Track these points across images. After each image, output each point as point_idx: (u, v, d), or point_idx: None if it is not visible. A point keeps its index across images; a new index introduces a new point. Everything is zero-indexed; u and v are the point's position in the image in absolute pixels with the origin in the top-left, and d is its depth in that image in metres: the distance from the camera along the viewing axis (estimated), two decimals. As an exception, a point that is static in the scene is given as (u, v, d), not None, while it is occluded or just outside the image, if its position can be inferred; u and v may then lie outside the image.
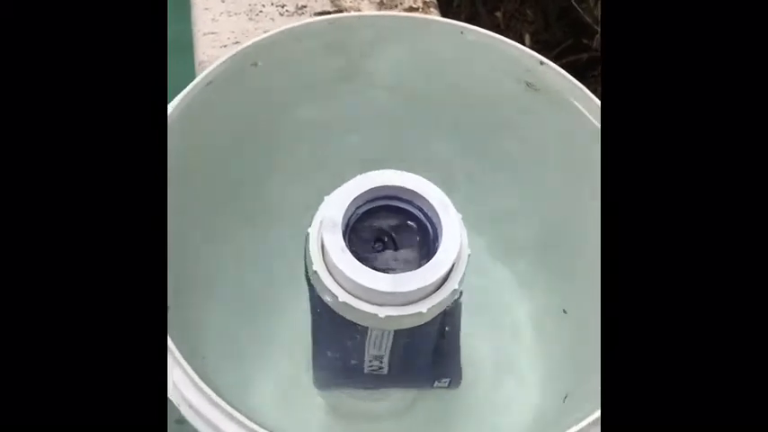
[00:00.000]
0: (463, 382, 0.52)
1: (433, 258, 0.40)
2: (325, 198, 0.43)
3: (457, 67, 0.53)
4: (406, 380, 0.52)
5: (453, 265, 0.40)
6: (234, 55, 0.46)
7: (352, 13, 0.48)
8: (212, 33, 0.79)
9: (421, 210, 0.42)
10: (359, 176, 0.42)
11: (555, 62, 0.97)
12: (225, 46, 0.78)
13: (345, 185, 0.42)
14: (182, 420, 0.82)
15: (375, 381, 0.50)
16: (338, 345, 0.46)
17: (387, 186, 0.42)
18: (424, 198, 0.42)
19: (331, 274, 0.41)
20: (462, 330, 0.49)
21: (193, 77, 0.77)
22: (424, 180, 0.42)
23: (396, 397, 0.56)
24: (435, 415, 0.57)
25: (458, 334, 0.51)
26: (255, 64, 0.47)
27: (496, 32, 1.10)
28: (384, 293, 0.39)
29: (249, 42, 0.47)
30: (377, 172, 0.42)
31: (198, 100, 0.45)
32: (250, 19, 0.81)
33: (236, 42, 0.78)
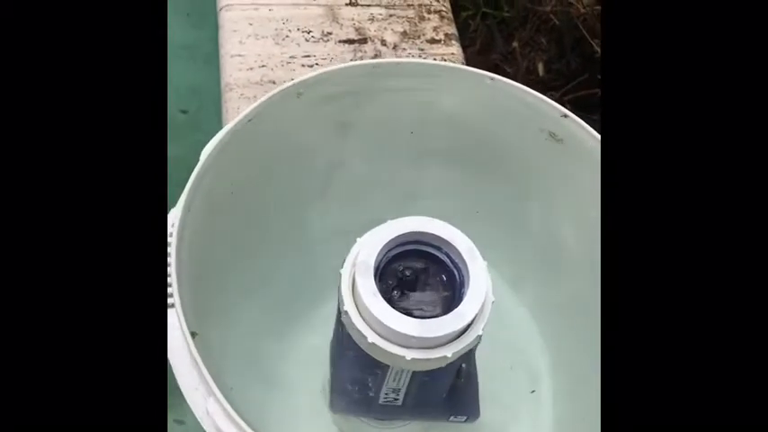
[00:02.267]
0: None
1: (460, 306, 0.41)
2: (358, 240, 0.44)
3: (481, 115, 0.55)
4: (421, 413, 0.54)
5: (478, 312, 0.42)
6: (274, 93, 0.48)
7: (393, 60, 0.49)
8: (239, 56, 0.81)
9: (448, 256, 0.44)
10: (391, 221, 0.44)
11: (568, 96, 0.99)
12: (251, 69, 0.80)
13: (378, 229, 0.44)
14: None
15: (389, 412, 0.52)
16: (359, 379, 0.48)
17: (417, 233, 0.44)
18: (452, 245, 0.44)
19: (361, 315, 0.42)
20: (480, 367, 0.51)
21: (219, 98, 0.79)
22: (453, 227, 0.44)
23: (408, 426, 0.58)
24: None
25: (475, 374, 0.53)
26: (299, 94, 0.49)
27: (511, 60, 1.13)
28: (412, 337, 0.41)
29: (293, 81, 0.48)
30: (408, 218, 0.44)
31: (239, 134, 0.47)
32: (276, 43, 0.82)
33: (263, 66, 0.80)
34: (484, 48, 1.17)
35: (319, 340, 0.55)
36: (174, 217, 0.45)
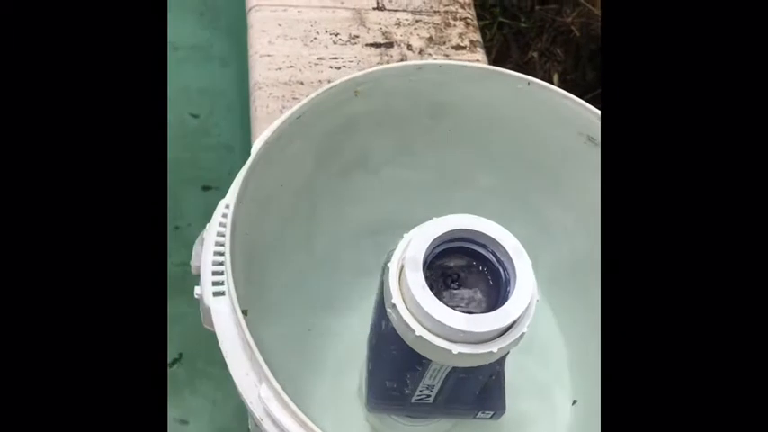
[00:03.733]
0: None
1: (508, 302, 0.42)
2: (405, 235, 0.45)
3: (520, 118, 0.56)
4: (450, 411, 0.54)
5: (524, 310, 0.43)
6: (321, 92, 0.49)
7: (434, 61, 0.51)
8: (268, 56, 0.82)
9: (494, 254, 0.45)
10: (437, 218, 0.45)
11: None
12: (280, 69, 0.81)
13: (426, 225, 0.45)
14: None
15: (421, 409, 0.53)
16: (398, 376, 0.49)
17: (464, 230, 0.45)
18: (498, 243, 0.44)
19: (408, 308, 0.43)
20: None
21: (244, 95, 0.80)
22: (499, 226, 0.45)
23: (436, 423, 0.59)
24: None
25: (503, 371, 0.54)
26: (357, 92, 0.50)
27: (527, 70, 1.14)
28: (459, 331, 0.42)
29: (337, 81, 0.50)
30: (455, 215, 0.45)
31: (287, 132, 0.49)
32: (305, 45, 0.83)
33: (291, 66, 0.81)
34: (499, 57, 1.19)
35: (358, 338, 0.55)
36: (225, 206, 0.46)
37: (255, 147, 0.47)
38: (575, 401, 0.60)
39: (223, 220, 0.45)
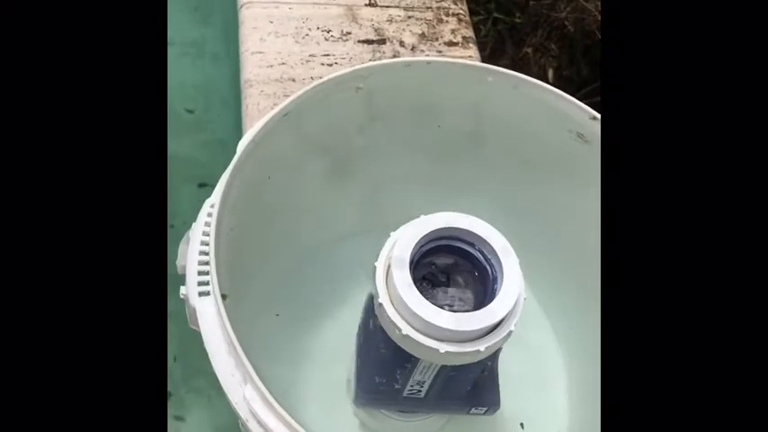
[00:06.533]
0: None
1: (495, 301, 0.42)
2: (392, 234, 0.45)
3: (510, 115, 0.55)
4: (443, 406, 0.54)
5: (511, 309, 0.43)
6: (308, 90, 0.49)
7: (423, 58, 0.50)
8: (260, 53, 0.82)
9: (482, 252, 0.45)
10: (424, 216, 0.45)
11: (580, 101, 1.00)
12: (271, 66, 0.81)
13: (413, 223, 0.44)
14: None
15: (412, 404, 0.53)
16: (387, 372, 0.49)
17: (452, 228, 0.44)
18: (486, 242, 0.44)
19: (395, 307, 0.43)
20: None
21: (238, 91, 0.80)
22: (487, 224, 0.45)
23: (430, 419, 0.58)
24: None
25: (496, 368, 0.53)
26: (359, 88, 0.50)
27: (521, 65, 1.13)
28: (446, 330, 0.41)
29: (324, 78, 0.49)
30: (442, 213, 0.44)
31: (274, 130, 0.48)
32: (296, 42, 0.83)
33: (283, 63, 0.81)
34: (494, 53, 1.18)
35: (344, 334, 0.55)
36: (210, 205, 0.45)
37: (241, 145, 0.47)
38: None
39: (208, 220, 0.45)
